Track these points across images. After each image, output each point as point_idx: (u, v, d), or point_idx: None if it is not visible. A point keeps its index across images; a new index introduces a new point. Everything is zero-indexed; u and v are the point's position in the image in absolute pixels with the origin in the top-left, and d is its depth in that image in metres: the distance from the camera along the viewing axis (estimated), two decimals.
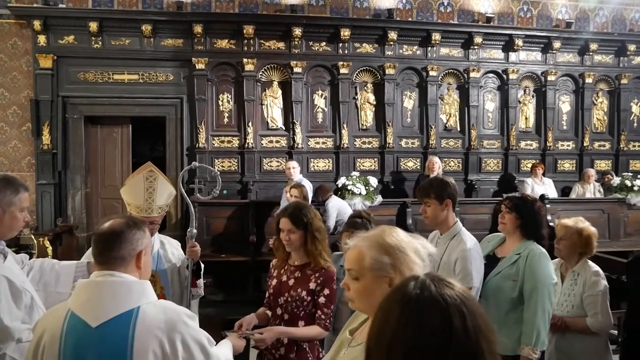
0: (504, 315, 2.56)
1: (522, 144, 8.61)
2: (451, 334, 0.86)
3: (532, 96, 8.65)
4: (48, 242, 6.72)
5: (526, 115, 8.61)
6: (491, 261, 2.71)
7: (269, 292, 2.55)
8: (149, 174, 2.47)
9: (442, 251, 2.59)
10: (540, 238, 2.70)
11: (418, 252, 1.41)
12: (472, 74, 8.21)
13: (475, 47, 8.18)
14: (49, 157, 7.53)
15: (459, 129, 8.42)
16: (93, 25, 7.31)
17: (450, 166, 8.28)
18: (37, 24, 7.27)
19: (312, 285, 2.42)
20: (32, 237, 7.00)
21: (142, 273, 1.64)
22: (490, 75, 8.45)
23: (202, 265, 2.76)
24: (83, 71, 7.58)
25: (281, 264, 2.55)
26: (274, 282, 2.54)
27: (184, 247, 2.79)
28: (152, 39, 7.57)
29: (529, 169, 8.00)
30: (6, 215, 1.91)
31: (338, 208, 6.12)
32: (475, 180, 8.26)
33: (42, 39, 7.42)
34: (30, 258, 2.40)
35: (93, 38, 7.48)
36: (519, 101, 8.56)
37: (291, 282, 2.46)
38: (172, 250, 2.69)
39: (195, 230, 2.79)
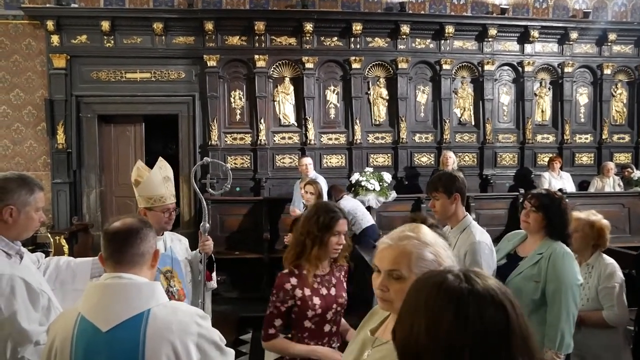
0: (526, 318, 2.47)
1: (539, 137, 8.44)
2: (509, 323, 0.88)
3: (549, 89, 8.48)
4: (64, 241, 6.78)
5: (542, 108, 8.45)
6: (512, 260, 2.62)
7: (314, 313, 2.26)
8: (160, 164, 2.59)
9: (452, 245, 2.57)
10: (566, 237, 2.59)
11: (446, 247, 1.41)
12: (486, 67, 8.07)
13: (490, 39, 8.04)
14: (63, 156, 7.59)
15: (473, 123, 8.29)
16: (105, 25, 7.34)
17: (464, 161, 8.17)
18: (50, 24, 7.33)
19: (345, 285, 2.40)
20: (49, 235, 7.07)
21: (153, 272, 1.62)
22: (505, 67, 8.30)
23: (214, 259, 2.82)
24: (96, 70, 7.62)
25: (307, 279, 2.28)
26: (317, 300, 2.26)
27: (196, 243, 2.81)
28: (163, 37, 7.58)
29: (546, 163, 7.86)
30: (22, 215, 1.89)
31: (349, 208, 6.05)
32: (491, 175, 8.14)
33: (55, 39, 7.48)
34: (46, 256, 2.40)
35: (105, 37, 7.51)
36: (535, 94, 8.39)
37: (332, 291, 2.34)
38: (181, 245, 2.73)
39: (208, 225, 2.82)
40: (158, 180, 2.53)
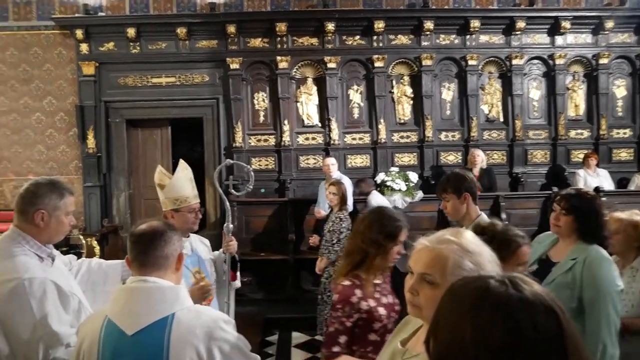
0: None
1: (572, 133, 8.09)
2: (562, 329, 0.83)
3: (582, 82, 8.11)
4: (95, 242, 6.98)
5: (576, 102, 8.10)
6: (545, 265, 2.45)
7: (380, 324, 2.12)
8: (182, 165, 2.66)
9: None
10: (603, 240, 2.41)
11: (493, 259, 1.28)
12: (515, 61, 7.80)
13: (518, 32, 7.78)
14: (94, 160, 7.81)
15: (502, 120, 8.04)
16: (131, 31, 7.51)
17: (493, 159, 7.92)
18: (79, 33, 7.55)
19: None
20: (81, 237, 7.29)
21: (178, 276, 1.63)
22: (535, 61, 8.00)
23: (238, 258, 2.84)
24: (123, 76, 7.81)
25: (367, 289, 2.13)
26: (382, 310, 2.14)
27: (221, 244, 2.85)
28: (187, 42, 7.70)
29: (581, 160, 7.53)
30: (52, 219, 1.93)
31: (379, 204, 5.96)
32: (521, 173, 7.87)
33: (84, 47, 7.70)
34: (78, 258, 2.47)
35: (131, 44, 7.68)
36: (568, 88, 8.05)
37: (390, 299, 2.22)
38: (203, 247, 2.77)
39: (231, 225, 2.87)
40: (182, 181, 2.58)
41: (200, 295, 2.39)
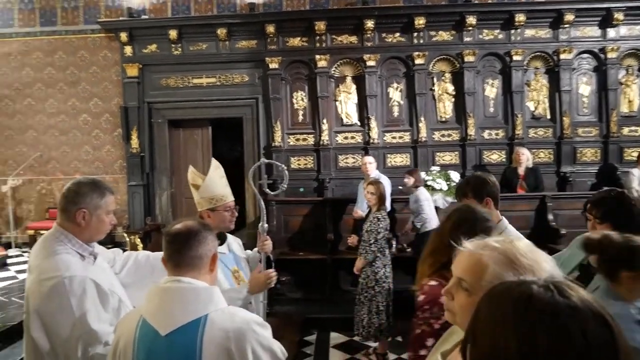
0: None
1: (625, 130, 7.68)
2: (614, 337, 0.78)
3: (637, 76, 7.69)
4: (139, 240, 7.15)
5: (629, 97, 7.68)
6: (586, 273, 2.27)
7: None
8: (214, 164, 2.63)
9: None
10: None
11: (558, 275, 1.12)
12: (562, 56, 7.48)
13: (566, 25, 7.46)
14: (137, 159, 8.01)
15: (549, 117, 7.73)
16: (173, 33, 7.65)
17: (539, 157, 7.62)
18: (123, 36, 7.76)
19: None
20: (125, 235, 7.48)
21: (212, 277, 1.61)
22: (585, 55, 7.65)
23: (273, 258, 2.81)
24: (165, 77, 7.97)
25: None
26: None
27: (257, 243, 2.83)
28: (227, 42, 7.78)
29: (635, 158, 7.12)
30: (94, 218, 1.94)
31: (426, 198, 5.86)
32: (570, 173, 7.54)
33: (128, 50, 7.90)
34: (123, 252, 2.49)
35: (173, 45, 7.83)
36: (620, 82, 7.64)
37: None
38: (237, 246, 2.76)
39: (266, 225, 2.83)
40: (217, 179, 2.56)
41: (264, 281, 2.40)
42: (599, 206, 2.25)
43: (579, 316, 0.77)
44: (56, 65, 8.25)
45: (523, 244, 1.18)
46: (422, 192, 5.84)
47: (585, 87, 7.69)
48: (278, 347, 1.52)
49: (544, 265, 1.12)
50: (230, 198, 2.57)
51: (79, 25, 8.15)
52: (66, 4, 8.16)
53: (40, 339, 1.80)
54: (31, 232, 7.70)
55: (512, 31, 7.54)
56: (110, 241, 7.98)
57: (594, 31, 7.58)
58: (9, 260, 7.23)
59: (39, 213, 8.45)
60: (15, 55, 8.30)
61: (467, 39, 7.57)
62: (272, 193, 3.32)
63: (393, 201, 6.35)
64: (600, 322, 0.78)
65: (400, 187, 7.36)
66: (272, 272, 2.44)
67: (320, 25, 7.47)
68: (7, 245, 8.04)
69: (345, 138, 7.87)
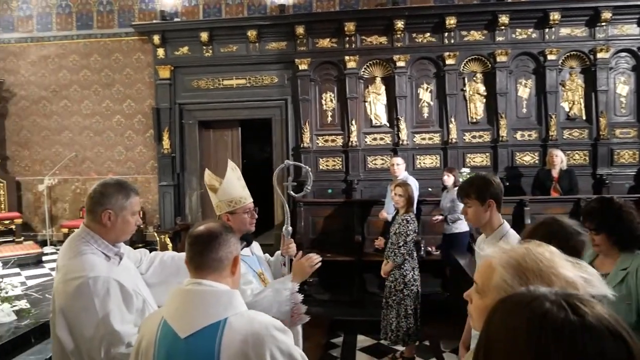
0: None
1: None
2: (632, 355, 0.75)
3: None
4: (168, 239, 7.26)
5: None
6: None
7: None
8: (231, 165, 2.58)
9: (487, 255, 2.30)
10: None
11: (572, 283, 1.06)
12: (599, 55, 7.27)
13: (604, 23, 7.24)
14: (168, 160, 8.14)
15: (584, 118, 7.51)
16: (204, 35, 7.76)
17: (574, 159, 7.42)
18: (156, 39, 7.91)
19: None
20: (155, 234, 7.62)
21: (234, 280, 1.60)
22: (623, 54, 7.41)
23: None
24: (196, 79, 8.08)
25: None
26: None
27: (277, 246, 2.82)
28: (257, 44, 7.84)
29: None
30: (119, 219, 1.96)
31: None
32: (606, 175, 7.31)
33: (160, 52, 8.05)
34: (151, 252, 2.51)
35: (204, 47, 7.94)
36: None
37: None
38: (258, 250, 2.75)
39: (290, 228, 2.82)
40: (235, 181, 2.52)
41: (307, 266, 2.36)
42: (591, 220, 2.18)
43: (595, 335, 0.75)
44: (91, 68, 8.47)
45: (542, 249, 1.13)
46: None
47: (623, 87, 7.45)
48: (299, 353, 1.48)
49: (563, 272, 1.06)
50: (249, 200, 2.52)
51: (114, 29, 8.35)
52: (102, 7, 8.37)
53: (64, 337, 1.82)
54: (65, 230, 7.90)
55: (547, 30, 7.37)
56: (141, 240, 8.15)
57: (632, 29, 7.35)
58: (44, 258, 7.44)
59: (73, 212, 8.68)
60: (53, 58, 8.56)
61: (499, 39, 7.43)
62: (297, 195, 3.31)
63: (420, 203, 6.29)
64: (618, 340, 0.75)
65: (429, 189, 7.32)
66: (314, 256, 2.38)
67: (350, 26, 7.45)
68: (43, 243, 8.28)
69: (374, 139, 7.83)
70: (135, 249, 2.41)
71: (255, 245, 2.73)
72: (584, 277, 1.06)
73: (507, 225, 2.38)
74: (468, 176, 6.71)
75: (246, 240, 2.26)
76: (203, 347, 1.40)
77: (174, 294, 1.53)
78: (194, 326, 1.42)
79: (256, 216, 2.58)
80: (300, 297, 2.33)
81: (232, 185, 2.50)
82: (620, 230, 2.12)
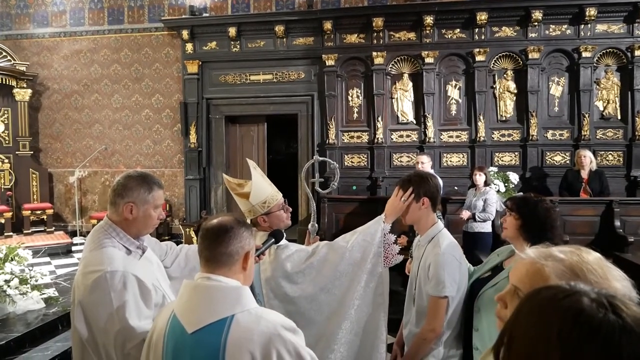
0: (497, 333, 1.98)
1: None
2: None
3: None
4: (193, 233, 7.33)
5: None
6: (496, 273, 2.25)
7: None
8: (252, 164, 2.51)
9: (420, 255, 2.30)
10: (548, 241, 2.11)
11: (630, 290, 1.01)
12: (638, 52, 6.99)
13: None
14: (195, 154, 8.23)
15: (619, 117, 7.27)
16: (232, 31, 7.79)
17: (607, 160, 7.20)
18: (185, 34, 7.99)
19: None
20: (181, 227, 7.72)
21: (247, 275, 1.56)
22: None
23: None
24: (223, 74, 8.14)
25: None
26: None
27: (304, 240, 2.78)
28: (284, 39, 7.84)
29: None
30: (141, 212, 1.93)
31: (495, 199, 5.71)
32: None
33: (189, 47, 8.12)
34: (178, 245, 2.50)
35: (232, 42, 7.98)
36: None
37: None
38: None
39: (316, 225, 2.79)
40: (262, 180, 2.44)
41: (400, 204, 2.27)
42: (513, 199, 2.27)
43: (633, 339, 0.70)
44: (122, 62, 8.62)
45: (592, 258, 1.06)
46: (492, 193, 5.68)
47: None
48: (308, 354, 1.42)
49: (615, 285, 1.00)
50: (279, 195, 2.44)
51: (144, 24, 8.47)
52: (132, 3, 8.50)
53: (82, 329, 1.82)
54: (94, 221, 8.07)
55: (582, 26, 7.15)
56: (168, 232, 8.27)
57: None
58: (73, 248, 7.62)
59: (102, 204, 8.86)
60: (85, 52, 8.74)
61: (531, 35, 7.25)
62: (323, 191, 3.27)
63: (445, 201, 6.22)
64: None
65: (455, 188, 7.20)
66: (406, 194, 2.25)
67: (378, 22, 7.37)
68: (73, 234, 8.49)
69: (401, 136, 7.75)
70: (161, 241, 2.41)
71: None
72: (624, 284, 1.01)
73: (440, 225, 2.34)
74: (495, 175, 6.61)
75: (275, 236, 2.21)
76: (209, 344, 1.37)
77: (184, 288, 1.50)
78: (201, 322, 1.40)
79: (290, 209, 2.51)
80: (393, 237, 2.27)
81: (261, 186, 2.42)
82: (531, 217, 2.13)
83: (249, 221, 2.43)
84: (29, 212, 8.29)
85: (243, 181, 2.52)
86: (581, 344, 0.70)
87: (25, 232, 8.12)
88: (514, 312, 0.82)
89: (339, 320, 2.23)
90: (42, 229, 8.43)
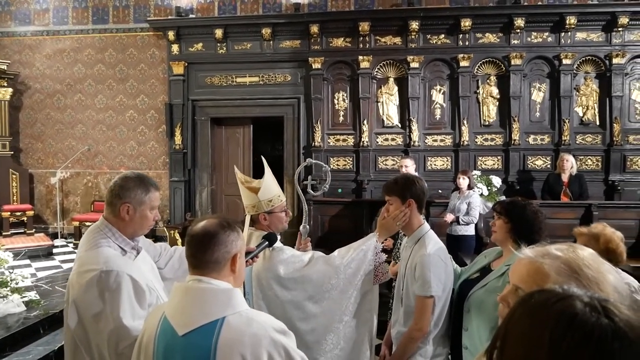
0: (488, 334, 2.09)
1: None
2: None
3: None
4: (178, 235, 7.30)
5: None
6: (483, 274, 2.32)
7: None
8: (266, 163, 2.56)
9: (407, 256, 2.35)
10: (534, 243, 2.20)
11: (617, 291, 1.04)
12: (615, 60, 7.22)
13: (620, 29, 7.19)
14: (180, 156, 8.18)
15: (598, 123, 7.46)
16: (218, 32, 7.79)
17: (586, 165, 7.38)
18: (171, 35, 7.96)
19: None
20: (165, 229, 7.66)
21: (236, 277, 1.55)
22: (639, 60, 7.35)
23: None
24: (209, 75, 8.12)
25: None
26: None
27: (293, 243, 2.79)
28: (271, 42, 7.86)
29: None
30: (137, 213, 1.96)
31: (479, 202, 5.83)
32: (618, 181, 7.26)
33: (175, 48, 8.09)
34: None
35: (218, 44, 7.97)
36: None
37: None
38: None
39: (308, 227, 2.80)
40: (271, 179, 2.46)
41: (393, 223, 2.33)
42: (501, 204, 2.34)
43: (626, 343, 0.70)
44: (106, 62, 8.53)
45: (587, 253, 1.10)
46: (476, 197, 5.78)
47: (638, 93, 7.39)
48: (299, 356, 1.43)
49: (609, 277, 1.04)
50: (284, 197, 2.51)
51: (129, 24, 8.40)
52: (118, 2, 8.42)
53: (76, 328, 1.82)
54: (76, 223, 7.97)
55: (562, 34, 7.33)
56: (152, 235, 8.19)
57: None
58: (54, 250, 7.49)
59: (84, 205, 8.74)
60: (68, 51, 8.63)
61: (514, 42, 7.41)
62: (314, 193, 3.30)
63: (429, 204, 6.29)
64: None
65: (439, 191, 7.30)
66: (400, 213, 2.32)
67: (365, 26, 7.45)
68: (54, 236, 8.35)
69: (386, 140, 7.82)
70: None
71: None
72: (627, 283, 1.05)
73: (427, 226, 2.41)
74: (479, 179, 6.72)
75: (269, 239, 2.23)
76: (199, 346, 1.38)
77: (175, 290, 1.51)
78: (192, 324, 1.40)
79: (290, 213, 2.57)
80: (384, 256, 2.32)
81: (271, 184, 2.46)
82: (520, 220, 2.19)
83: (249, 217, 2.47)
84: (9, 213, 8.14)
85: (250, 178, 2.57)
86: (574, 349, 0.70)
87: (4, 234, 7.96)
88: (506, 315, 0.83)
89: (324, 331, 2.28)
90: (22, 230, 8.27)
